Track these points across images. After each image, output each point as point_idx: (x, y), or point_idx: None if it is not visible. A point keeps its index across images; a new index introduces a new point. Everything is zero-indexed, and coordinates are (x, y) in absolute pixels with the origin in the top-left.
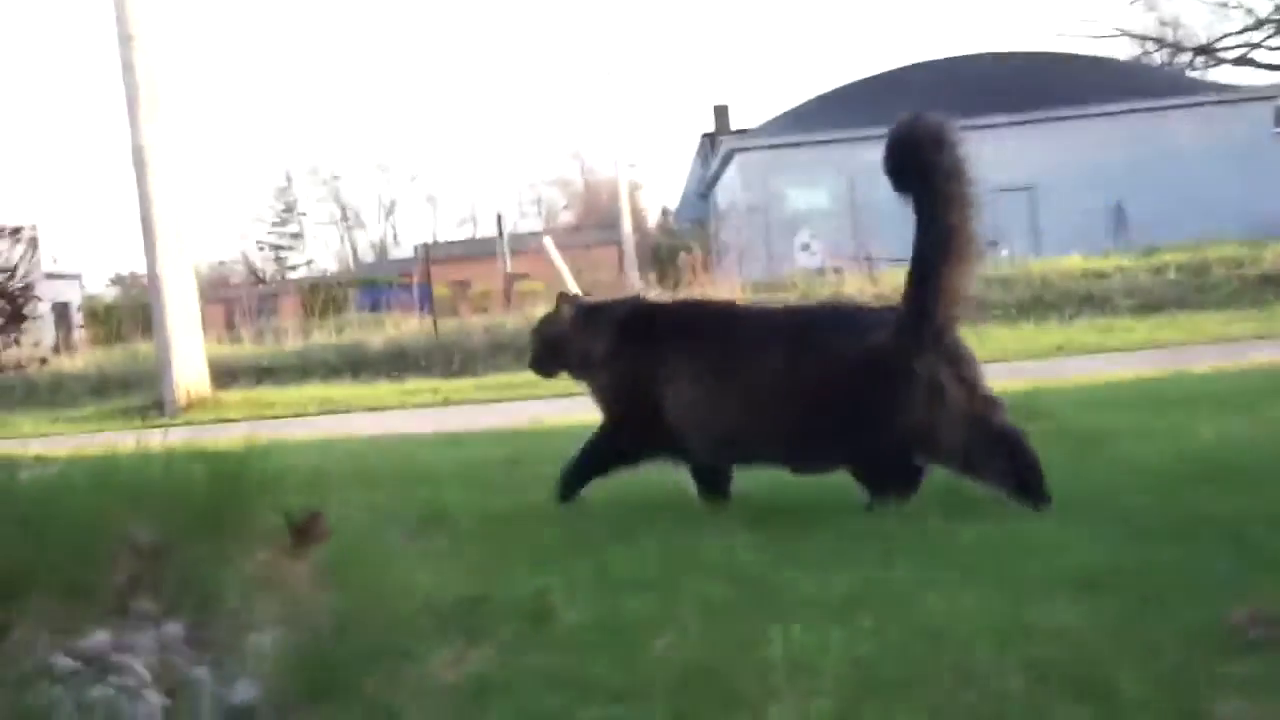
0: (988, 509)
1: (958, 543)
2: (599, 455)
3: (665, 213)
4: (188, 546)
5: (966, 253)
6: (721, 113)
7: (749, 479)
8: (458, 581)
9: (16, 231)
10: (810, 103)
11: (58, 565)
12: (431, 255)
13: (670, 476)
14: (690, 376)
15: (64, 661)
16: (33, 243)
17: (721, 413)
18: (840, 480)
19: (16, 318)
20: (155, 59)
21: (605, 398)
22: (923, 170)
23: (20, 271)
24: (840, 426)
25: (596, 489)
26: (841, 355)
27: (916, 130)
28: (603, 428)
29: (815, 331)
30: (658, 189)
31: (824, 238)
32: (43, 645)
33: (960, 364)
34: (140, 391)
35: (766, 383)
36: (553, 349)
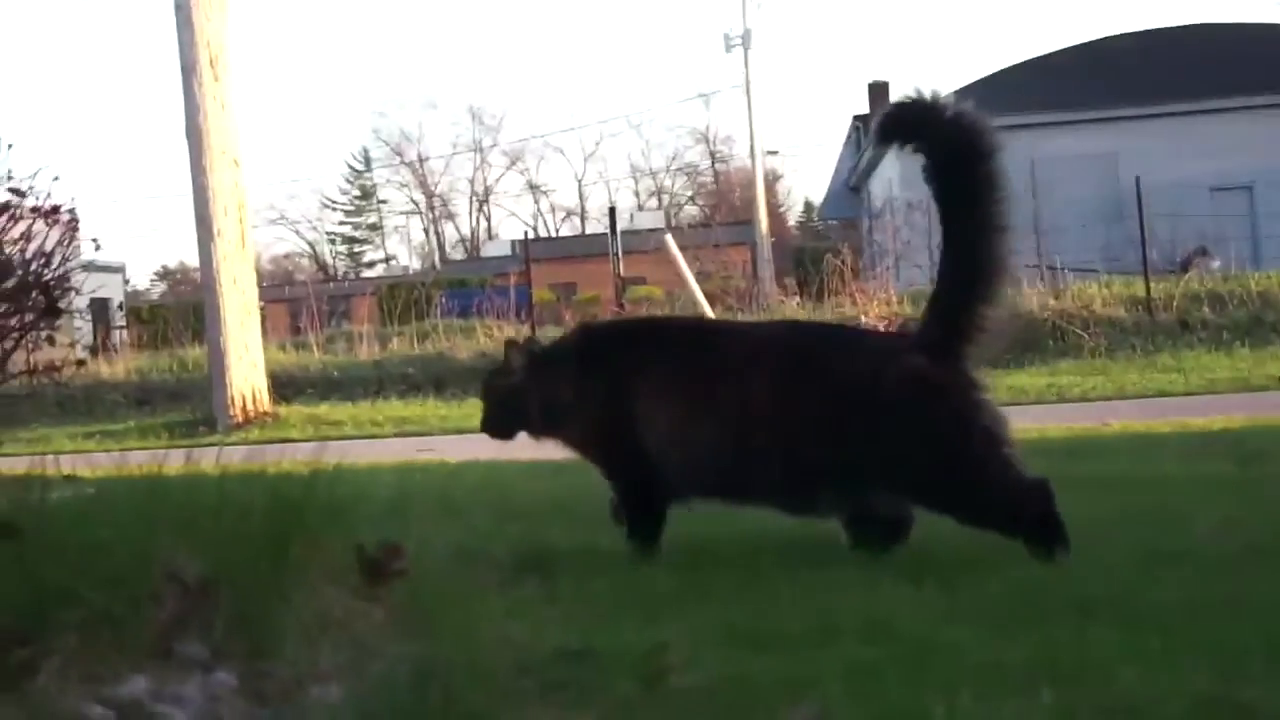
0: (1196, 562)
1: (1160, 602)
2: (641, 516)
3: (809, 208)
4: (242, 582)
5: (1000, 275)
6: (878, 91)
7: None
8: (556, 633)
9: (54, 212)
10: (983, 81)
11: (91, 599)
12: (532, 253)
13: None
14: (667, 404)
15: (97, 710)
16: (72, 225)
17: (703, 444)
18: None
19: (51, 311)
20: (215, 21)
21: (588, 447)
22: (963, 177)
23: (57, 259)
24: (854, 459)
25: (717, 525)
26: (860, 380)
27: (966, 129)
28: (614, 487)
29: (822, 352)
30: (801, 180)
31: None
32: (73, 690)
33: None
34: (188, 404)
35: (762, 411)
36: (508, 406)
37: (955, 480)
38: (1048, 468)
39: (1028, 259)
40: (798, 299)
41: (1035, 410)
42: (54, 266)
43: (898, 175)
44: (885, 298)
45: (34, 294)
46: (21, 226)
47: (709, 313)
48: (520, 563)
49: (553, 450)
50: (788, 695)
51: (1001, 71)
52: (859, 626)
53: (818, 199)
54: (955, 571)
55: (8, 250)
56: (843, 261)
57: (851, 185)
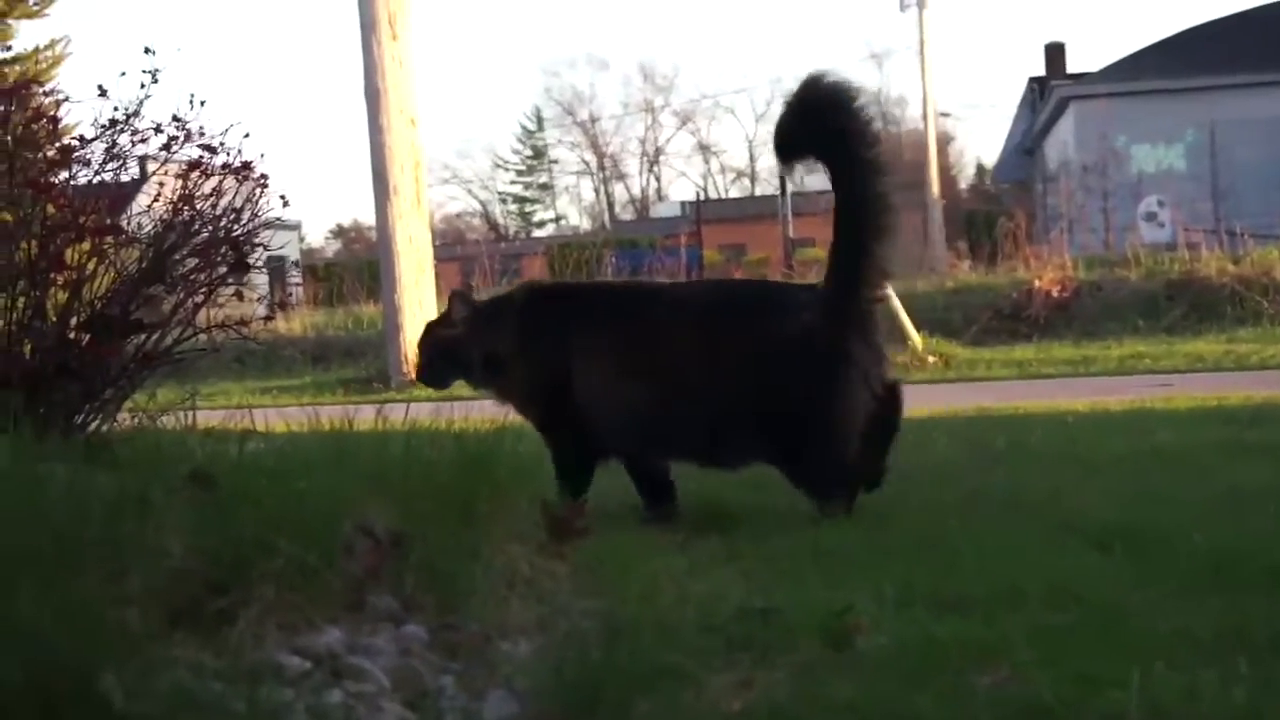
0: None
1: None
2: (572, 470)
3: (981, 171)
4: (432, 537)
5: (889, 226)
6: (1055, 53)
7: (1093, 474)
8: (738, 591)
9: (245, 168)
10: (1162, 43)
11: (287, 550)
12: (702, 214)
13: (984, 474)
14: (600, 361)
15: (294, 661)
16: (261, 182)
17: (634, 399)
18: (1215, 487)
19: (240, 267)
20: None
21: (525, 402)
22: (838, 137)
23: (246, 215)
24: (768, 414)
25: (897, 487)
26: (770, 336)
27: (828, 92)
28: (546, 441)
29: (738, 309)
30: (974, 143)
31: (1176, 206)
32: (270, 639)
33: (880, 350)
34: (362, 361)
35: (686, 366)
36: (449, 356)
37: (820, 430)
38: (1228, 435)
39: (1205, 223)
40: (969, 263)
41: (1212, 378)
42: (244, 222)
43: (1073, 138)
44: (1059, 262)
45: (224, 249)
46: (212, 182)
47: None
48: (697, 521)
49: None
50: (975, 659)
51: (1181, 33)
52: (1045, 591)
53: (990, 161)
54: (1143, 538)
55: (198, 205)
56: (1016, 225)
57: (1026, 148)
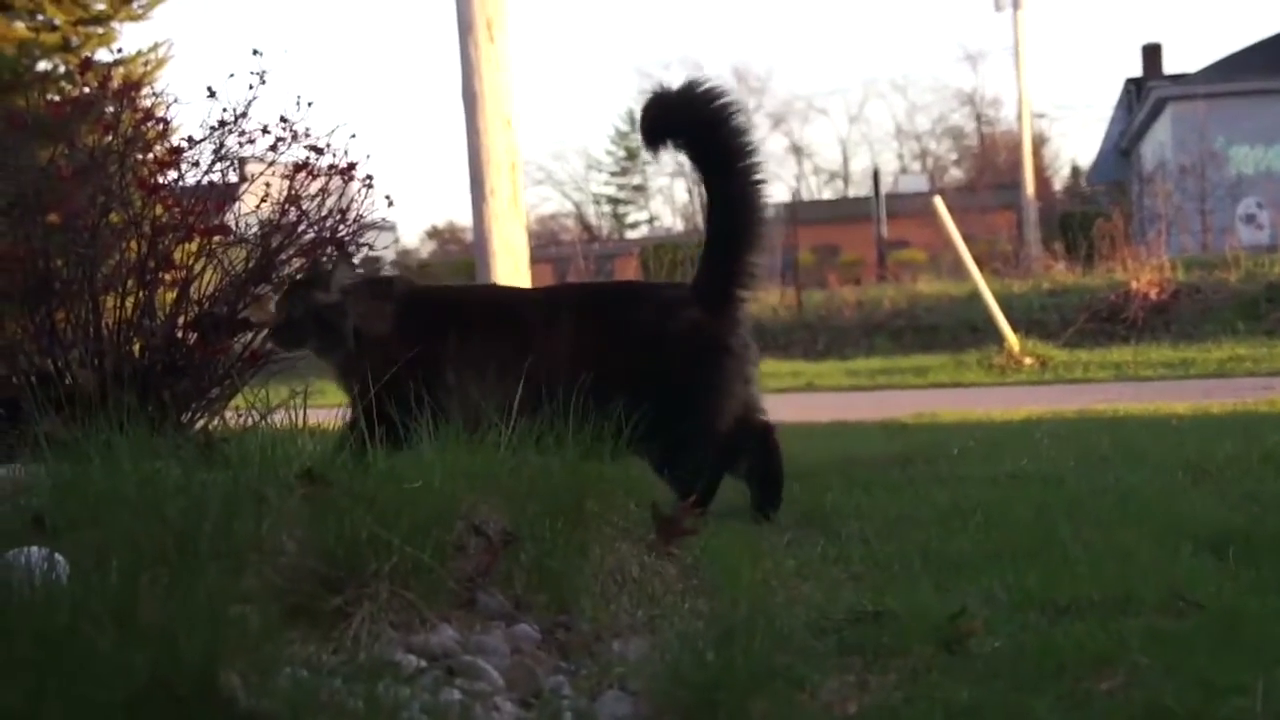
0: None
1: None
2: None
3: (1076, 172)
4: (542, 536)
5: (761, 230)
6: (1152, 54)
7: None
8: (848, 594)
9: (350, 169)
10: (1261, 43)
11: (401, 549)
12: (796, 215)
13: (1091, 477)
14: (488, 357)
15: (411, 659)
16: (367, 183)
17: (517, 392)
18: None
19: (346, 267)
20: None
21: (388, 384)
22: (713, 140)
23: (351, 215)
24: (648, 409)
25: (1007, 489)
26: (649, 331)
27: (702, 95)
28: (366, 419)
29: (617, 307)
30: (1068, 144)
31: (1275, 208)
32: (385, 637)
33: (750, 348)
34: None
35: (564, 364)
36: (318, 319)
37: (698, 424)
38: None
39: None
40: (1064, 264)
41: None
42: (348, 223)
43: (1170, 139)
44: (1157, 263)
45: (329, 249)
46: (318, 183)
47: (977, 277)
48: (805, 524)
49: (818, 412)
50: (1092, 664)
51: (1277, 35)
52: (1160, 596)
53: (1084, 162)
54: (1257, 543)
55: (305, 206)
56: (1113, 226)
57: (1122, 149)
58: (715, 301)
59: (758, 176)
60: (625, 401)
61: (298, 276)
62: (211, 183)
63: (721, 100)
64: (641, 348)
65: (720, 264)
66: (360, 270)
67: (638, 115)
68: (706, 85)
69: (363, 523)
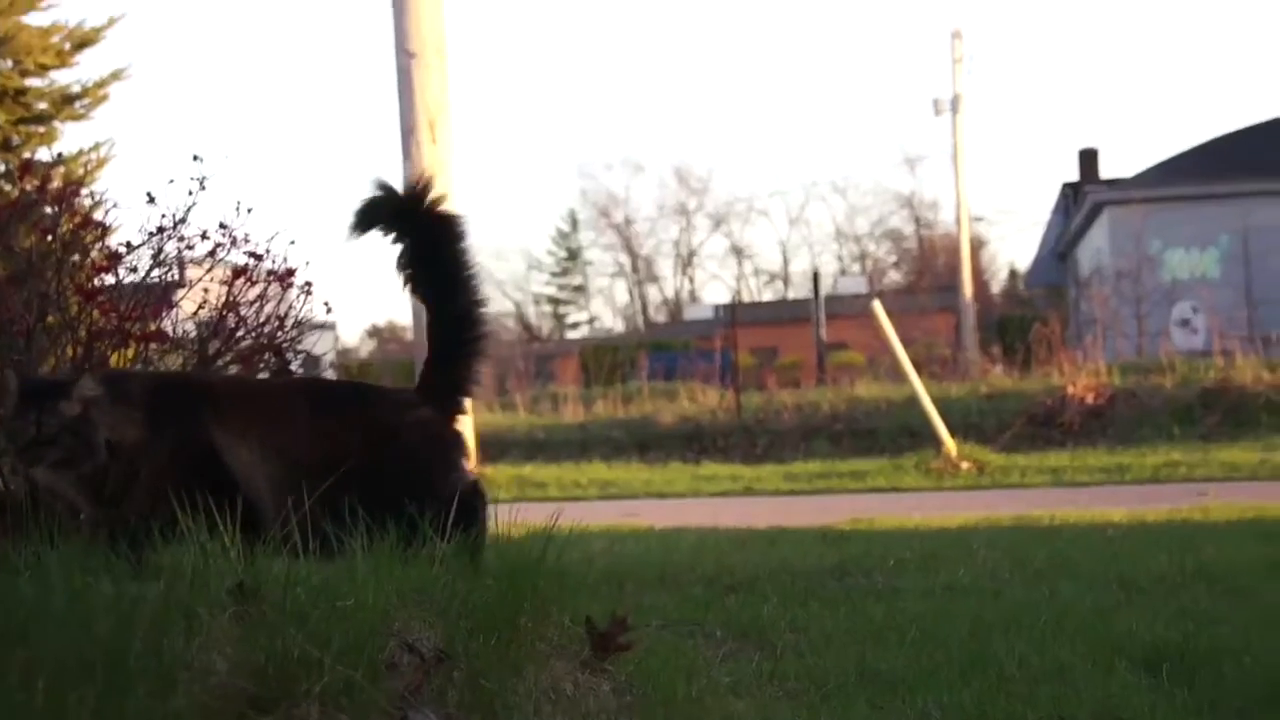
0: None
1: None
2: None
3: (1014, 275)
4: (475, 653)
5: (484, 344)
6: (1088, 158)
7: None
8: (784, 711)
9: (289, 275)
10: (1196, 148)
11: (332, 668)
12: (735, 317)
13: (1027, 590)
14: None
15: None
16: (306, 289)
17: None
18: (1260, 608)
19: (283, 373)
20: (435, 85)
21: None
22: (440, 249)
23: (290, 321)
24: (382, 496)
25: (950, 605)
26: (388, 424)
27: (427, 205)
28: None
29: (356, 402)
30: (1007, 247)
31: (1210, 312)
32: None
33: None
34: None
35: (309, 456)
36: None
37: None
38: (1269, 553)
39: (1240, 330)
40: (1002, 367)
41: (1249, 486)
42: (288, 329)
43: (1107, 243)
44: (1093, 368)
45: (267, 355)
46: (257, 289)
47: (915, 382)
48: (741, 637)
49: (757, 517)
50: None
51: (1215, 140)
52: (1095, 716)
53: (1023, 265)
54: (1191, 661)
55: (243, 312)
56: (1050, 331)
57: (1059, 253)
58: (442, 403)
59: (479, 291)
60: (363, 489)
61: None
62: (149, 288)
63: (444, 210)
64: (379, 440)
65: (447, 370)
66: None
67: (356, 209)
68: (431, 193)
69: (294, 641)
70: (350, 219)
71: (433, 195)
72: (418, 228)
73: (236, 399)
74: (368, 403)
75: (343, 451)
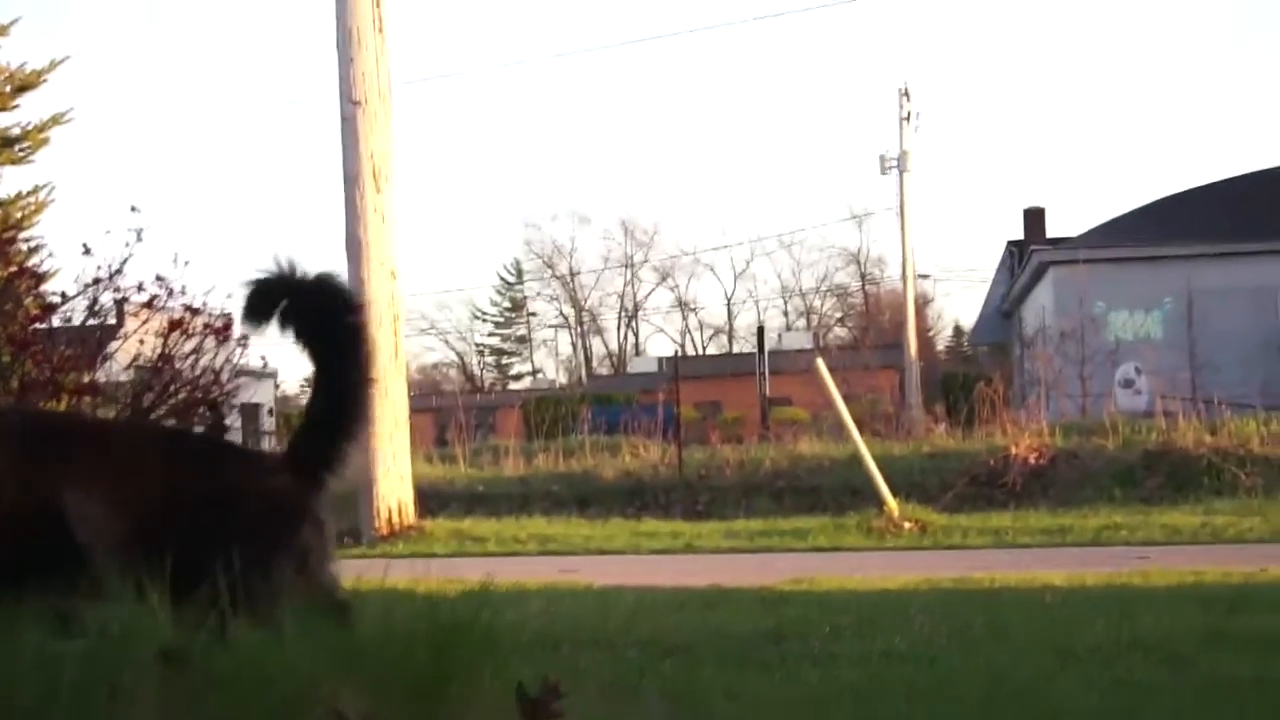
0: None
1: None
2: None
3: (959, 332)
4: (404, 718)
5: (364, 414)
6: (1034, 217)
7: None
8: None
9: (226, 328)
10: (1141, 209)
11: None
12: (679, 371)
13: (963, 657)
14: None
15: None
16: (242, 342)
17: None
18: (1196, 679)
19: (217, 427)
20: (380, 134)
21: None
22: (335, 325)
23: (225, 375)
24: (225, 563)
25: (885, 673)
26: (239, 488)
27: (326, 283)
28: None
29: (207, 457)
30: (952, 304)
31: (1153, 373)
32: None
33: (330, 524)
34: (335, 515)
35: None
36: None
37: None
38: (1207, 623)
39: (1183, 391)
40: (945, 426)
41: (1190, 550)
42: (223, 382)
43: (1051, 303)
44: (1037, 429)
45: (201, 409)
46: (193, 342)
47: (857, 440)
48: (676, 703)
49: (697, 576)
50: None
51: (1159, 201)
52: None
53: (968, 323)
54: None
55: (179, 365)
56: (993, 391)
57: (1004, 311)
58: (307, 473)
59: (369, 369)
60: (203, 554)
61: None
62: (83, 340)
63: (338, 289)
64: (228, 503)
65: (319, 441)
66: None
67: (247, 293)
68: (324, 274)
69: (221, 708)
70: (244, 312)
71: (319, 273)
72: (308, 304)
73: (78, 442)
74: (225, 461)
75: (187, 511)
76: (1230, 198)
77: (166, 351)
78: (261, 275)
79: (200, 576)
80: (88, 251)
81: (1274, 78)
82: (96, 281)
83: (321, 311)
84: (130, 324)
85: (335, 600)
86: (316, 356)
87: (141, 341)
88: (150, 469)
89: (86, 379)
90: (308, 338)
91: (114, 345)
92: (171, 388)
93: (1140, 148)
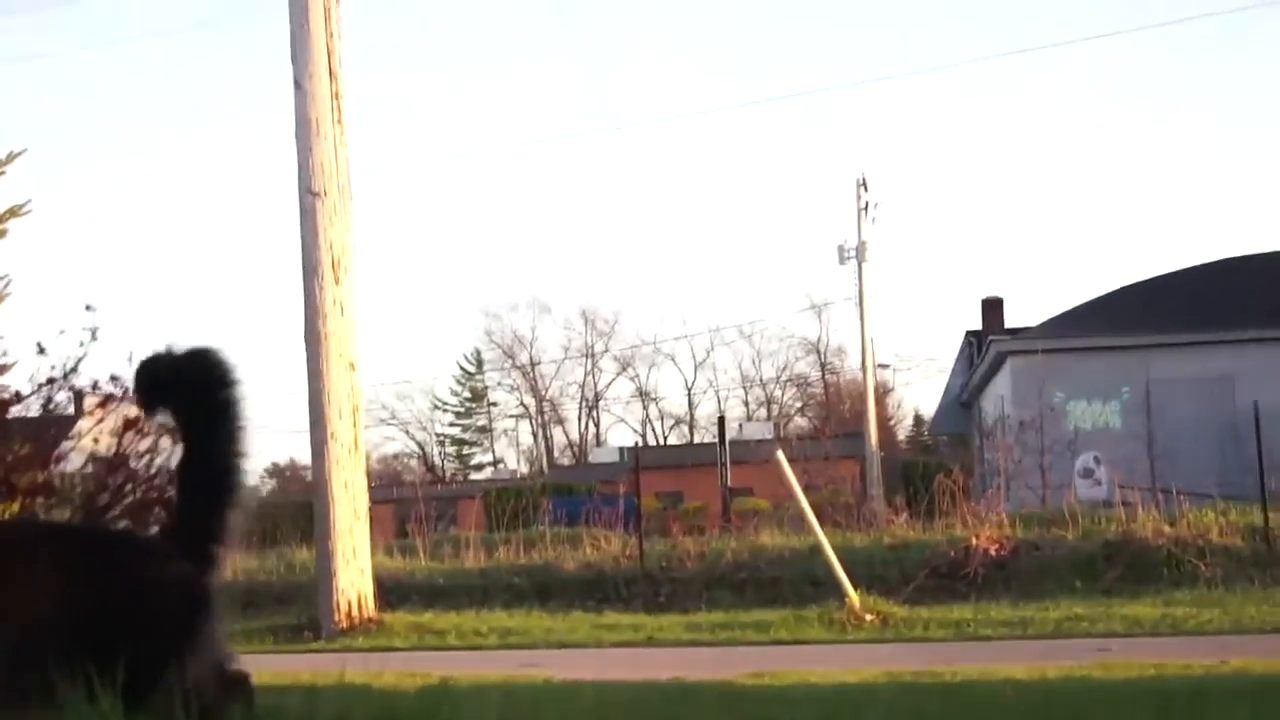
0: None
1: None
2: None
3: (919, 422)
4: None
5: (241, 490)
6: (992, 307)
7: None
8: None
9: None
10: (1099, 299)
11: None
12: (640, 461)
13: None
14: None
15: None
16: None
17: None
18: None
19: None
20: (339, 225)
21: None
22: (211, 403)
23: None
24: (124, 657)
25: None
26: (137, 578)
27: (206, 360)
28: None
29: (99, 549)
30: (912, 393)
31: (1112, 463)
32: None
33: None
34: (293, 607)
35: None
36: None
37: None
38: None
39: (1142, 481)
40: (906, 516)
41: (1151, 643)
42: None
43: (1010, 392)
44: (996, 519)
45: (155, 509)
46: (148, 441)
47: (818, 532)
48: None
49: (657, 669)
50: None
51: (1116, 291)
52: None
53: (928, 412)
54: None
55: (133, 465)
56: (954, 482)
57: (963, 401)
58: (198, 555)
59: (244, 444)
60: (99, 649)
61: None
62: (37, 437)
63: (215, 361)
64: (126, 594)
65: (206, 516)
66: None
67: (134, 376)
68: (203, 350)
69: None
70: (138, 396)
71: (196, 347)
72: (187, 377)
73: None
74: (118, 552)
75: (83, 609)
76: (1185, 289)
77: (121, 451)
78: (145, 358)
79: (104, 673)
80: (42, 351)
81: (1223, 172)
82: (51, 381)
83: (200, 384)
84: (85, 423)
85: (235, 675)
86: (195, 428)
87: (96, 440)
88: (36, 569)
89: (40, 479)
90: (187, 410)
91: (68, 445)
92: (127, 487)
93: (1096, 238)
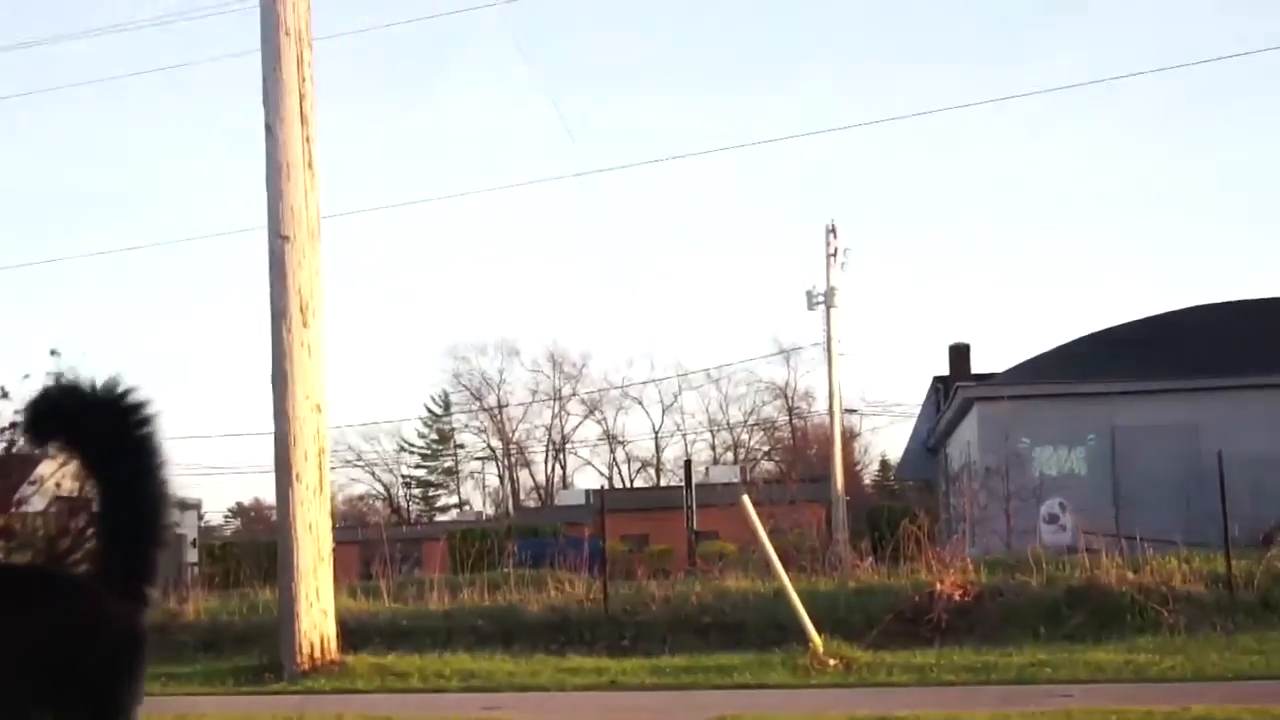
0: None
1: None
2: None
3: (886, 466)
4: None
5: (167, 523)
6: (959, 354)
7: None
8: None
9: None
10: (1065, 346)
11: None
12: (606, 504)
13: None
14: None
15: None
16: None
17: None
18: None
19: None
20: (308, 269)
21: None
22: (129, 438)
23: None
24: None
25: None
26: (73, 621)
27: (122, 397)
28: None
29: (31, 590)
30: (879, 438)
31: (1077, 510)
32: None
33: None
34: (256, 648)
35: None
36: None
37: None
38: None
39: (1107, 527)
40: (871, 560)
41: (1113, 689)
42: None
43: (976, 438)
44: (961, 565)
45: None
46: None
47: (783, 577)
48: None
49: (620, 715)
50: None
51: (1083, 338)
52: None
53: (895, 457)
54: None
55: (95, 508)
56: (919, 527)
57: (929, 446)
58: (131, 593)
59: (165, 479)
60: (34, 697)
61: None
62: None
63: (129, 398)
64: (60, 639)
65: (133, 555)
66: None
67: (29, 411)
68: (111, 383)
69: None
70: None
71: (107, 381)
72: (97, 413)
73: None
74: (45, 593)
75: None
76: (1150, 336)
77: (84, 493)
78: (46, 389)
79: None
80: (5, 395)
81: (1186, 221)
82: (14, 425)
83: (115, 418)
84: (47, 466)
85: None
86: (112, 465)
87: (58, 485)
88: None
89: (1, 522)
90: (99, 446)
91: (29, 489)
92: (89, 530)
93: (1063, 286)
